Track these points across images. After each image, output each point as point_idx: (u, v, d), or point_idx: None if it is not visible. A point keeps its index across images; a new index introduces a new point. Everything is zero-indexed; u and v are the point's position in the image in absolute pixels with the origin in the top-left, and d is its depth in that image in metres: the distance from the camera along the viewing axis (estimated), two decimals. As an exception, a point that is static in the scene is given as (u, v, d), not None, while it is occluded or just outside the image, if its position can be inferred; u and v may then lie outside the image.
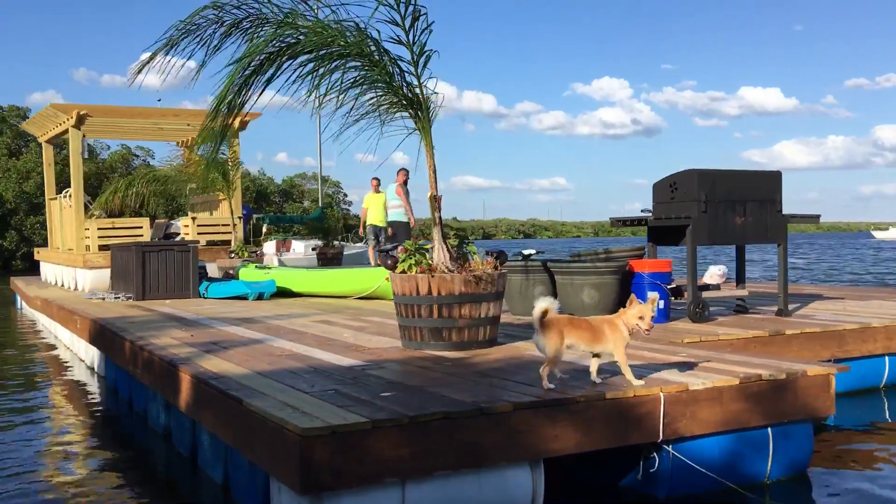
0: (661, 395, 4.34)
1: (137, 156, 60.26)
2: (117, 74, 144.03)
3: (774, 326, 6.96)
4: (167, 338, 6.97)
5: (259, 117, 16.65)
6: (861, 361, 7.27)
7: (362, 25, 5.93)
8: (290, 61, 6.01)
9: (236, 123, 16.02)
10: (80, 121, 15.32)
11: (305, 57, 6.00)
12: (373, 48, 5.97)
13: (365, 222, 17.55)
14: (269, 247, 37.31)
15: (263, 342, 6.61)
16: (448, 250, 6.02)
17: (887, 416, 6.76)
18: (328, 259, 24.26)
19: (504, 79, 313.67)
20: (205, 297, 11.73)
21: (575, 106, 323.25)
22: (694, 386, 4.45)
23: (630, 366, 4.55)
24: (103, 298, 11.84)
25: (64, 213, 16.68)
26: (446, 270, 5.88)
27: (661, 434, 4.34)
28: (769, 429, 4.72)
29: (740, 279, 8.37)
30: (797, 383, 4.79)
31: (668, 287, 7.43)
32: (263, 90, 6.07)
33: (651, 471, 4.48)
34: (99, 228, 15.44)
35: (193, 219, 16.80)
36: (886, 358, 7.43)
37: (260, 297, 11.29)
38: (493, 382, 4.64)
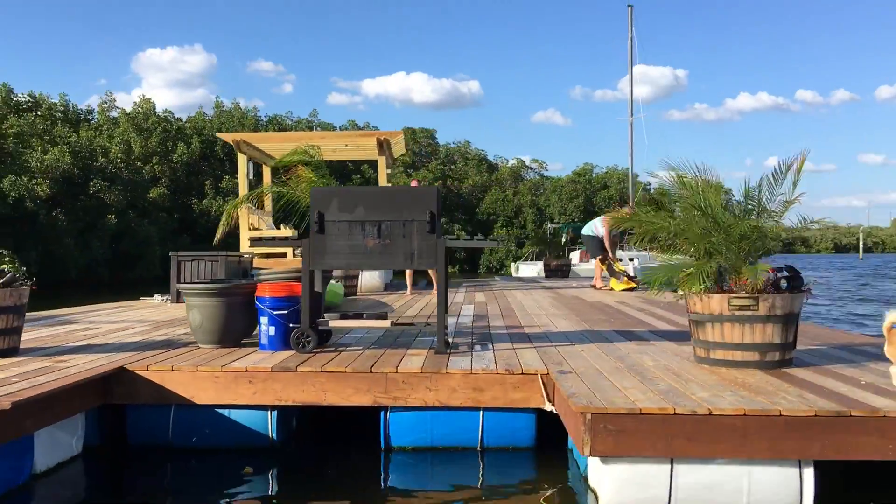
0: None
1: (532, 168, 64.32)
2: (608, 89, 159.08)
3: (315, 364, 6.27)
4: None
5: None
6: (443, 413, 6.13)
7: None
8: None
9: (369, 141, 17.36)
10: (238, 146, 17.93)
11: None
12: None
13: None
14: (575, 256, 37.69)
15: None
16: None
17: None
18: (551, 270, 24.23)
19: None
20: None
21: None
22: None
23: None
24: (159, 300, 14.06)
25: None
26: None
27: None
28: None
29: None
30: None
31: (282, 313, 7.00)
32: None
33: None
34: (249, 238, 17.90)
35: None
36: (481, 413, 6.10)
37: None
38: None
